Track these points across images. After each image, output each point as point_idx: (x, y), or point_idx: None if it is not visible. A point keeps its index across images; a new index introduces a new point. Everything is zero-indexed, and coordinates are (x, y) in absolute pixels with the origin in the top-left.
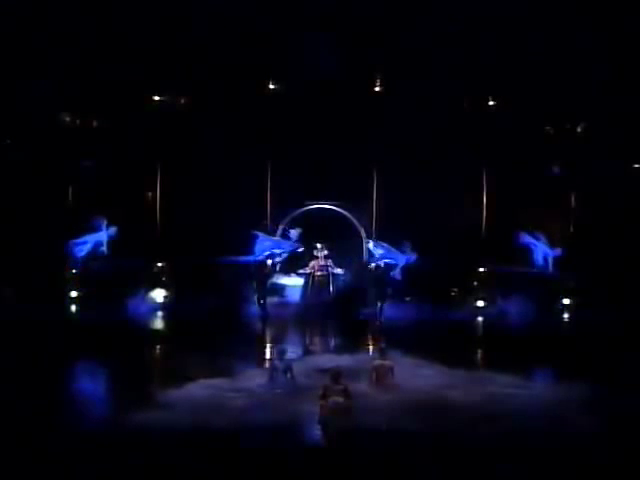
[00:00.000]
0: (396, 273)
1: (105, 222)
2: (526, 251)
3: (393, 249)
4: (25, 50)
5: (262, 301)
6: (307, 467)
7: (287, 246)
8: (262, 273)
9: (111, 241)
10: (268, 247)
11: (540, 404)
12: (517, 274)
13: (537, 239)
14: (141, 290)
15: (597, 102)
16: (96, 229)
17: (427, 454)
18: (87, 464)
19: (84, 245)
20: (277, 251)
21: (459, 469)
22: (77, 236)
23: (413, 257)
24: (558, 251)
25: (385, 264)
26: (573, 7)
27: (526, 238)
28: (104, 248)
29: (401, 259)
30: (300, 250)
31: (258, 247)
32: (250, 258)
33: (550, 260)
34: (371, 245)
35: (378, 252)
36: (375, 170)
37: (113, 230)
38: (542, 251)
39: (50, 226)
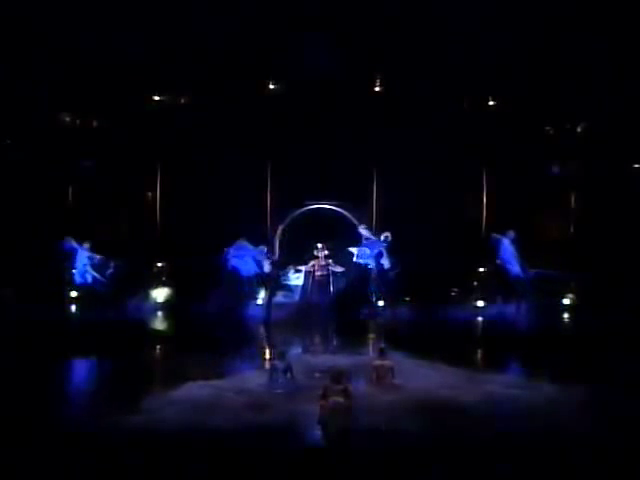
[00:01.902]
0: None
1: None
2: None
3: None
4: (25, 50)
5: (268, 301)
6: (307, 467)
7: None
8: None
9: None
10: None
11: (540, 404)
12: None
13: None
14: (141, 290)
15: (597, 102)
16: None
17: (427, 454)
18: (85, 464)
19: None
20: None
21: (459, 469)
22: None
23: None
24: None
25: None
26: (573, 6)
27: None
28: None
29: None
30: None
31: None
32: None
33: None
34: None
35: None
36: (375, 170)
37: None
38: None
39: (50, 226)
